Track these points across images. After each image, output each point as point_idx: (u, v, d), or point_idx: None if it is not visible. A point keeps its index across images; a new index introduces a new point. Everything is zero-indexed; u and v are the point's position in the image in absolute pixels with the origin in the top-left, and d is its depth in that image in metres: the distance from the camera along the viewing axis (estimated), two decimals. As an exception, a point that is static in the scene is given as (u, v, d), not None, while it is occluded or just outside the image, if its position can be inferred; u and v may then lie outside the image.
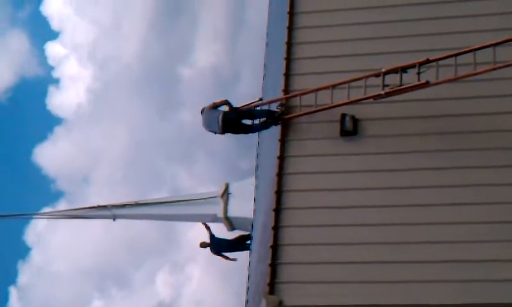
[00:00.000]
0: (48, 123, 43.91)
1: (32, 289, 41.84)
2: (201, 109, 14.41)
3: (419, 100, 13.51)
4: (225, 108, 14.27)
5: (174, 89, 42.97)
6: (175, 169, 42.13)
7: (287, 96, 14.21)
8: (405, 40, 14.16)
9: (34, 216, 25.92)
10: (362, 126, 13.83)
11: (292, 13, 14.88)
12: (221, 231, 20.84)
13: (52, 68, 44.96)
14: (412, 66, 13.09)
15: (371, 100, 13.40)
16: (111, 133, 43.10)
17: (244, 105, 14.89)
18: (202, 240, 20.47)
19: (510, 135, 13.23)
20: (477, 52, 12.78)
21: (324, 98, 13.71)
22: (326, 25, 14.78)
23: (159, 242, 41.03)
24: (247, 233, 19.57)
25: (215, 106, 14.15)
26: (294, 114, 14.02)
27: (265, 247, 13.67)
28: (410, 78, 13.10)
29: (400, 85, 13.11)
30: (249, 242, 18.75)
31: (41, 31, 46.06)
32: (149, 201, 22.52)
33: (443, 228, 12.87)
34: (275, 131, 14.20)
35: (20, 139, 43.87)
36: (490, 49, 12.70)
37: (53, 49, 45.13)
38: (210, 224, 20.76)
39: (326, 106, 13.68)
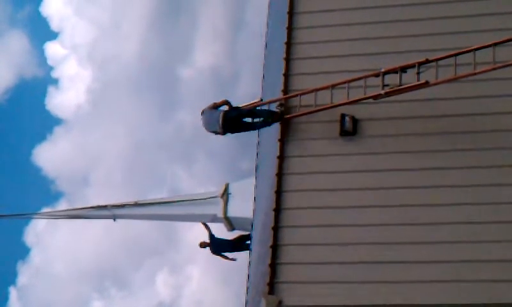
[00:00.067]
0: (47, 123, 43.91)
1: (32, 289, 41.85)
2: (201, 110, 14.40)
3: (419, 100, 13.51)
4: (225, 108, 14.26)
5: (173, 89, 42.98)
6: (174, 169, 42.13)
7: (287, 96, 14.21)
8: (404, 40, 14.16)
9: (34, 216, 25.94)
10: (362, 126, 13.83)
11: (291, 13, 14.88)
12: (220, 231, 20.86)
13: (51, 68, 44.98)
14: (412, 66, 13.09)
15: (371, 100, 13.40)
16: (111, 133, 43.10)
17: (245, 106, 14.88)
18: (202, 240, 20.48)
19: (510, 135, 13.23)
20: (477, 51, 12.79)
21: (324, 98, 13.71)
22: (326, 25, 14.79)
23: (159, 243, 41.03)
24: (247, 233, 19.57)
25: (215, 106, 14.15)
26: (294, 114, 14.02)
27: (265, 247, 13.67)
28: (410, 78, 13.10)
29: (400, 85, 13.11)
30: (249, 242, 18.75)
31: (41, 31, 46.08)
32: (149, 201, 22.53)
33: (443, 228, 12.87)
34: (275, 131, 14.21)
35: (20, 139, 43.86)
36: (490, 49, 12.71)
37: (52, 49, 45.14)
38: (210, 224, 20.77)
39: (326, 106, 13.68)
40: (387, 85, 13.22)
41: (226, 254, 20.44)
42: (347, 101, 13.53)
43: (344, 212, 13.35)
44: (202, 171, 40.74)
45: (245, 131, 14.32)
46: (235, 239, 20.39)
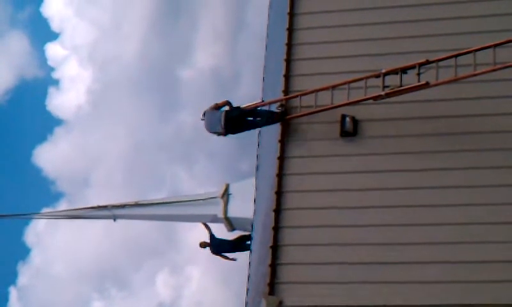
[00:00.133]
0: (48, 124, 43.92)
1: (32, 290, 41.86)
2: (202, 112, 14.38)
3: (419, 101, 13.53)
4: (227, 108, 14.25)
5: (174, 90, 42.98)
6: (175, 170, 42.13)
7: (287, 97, 14.22)
8: (405, 41, 14.18)
9: (35, 216, 25.94)
10: (362, 127, 13.84)
11: (292, 14, 14.90)
12: (221, 231, 20.86)
13: (52, 69, 44.98)
14: (412, 67, 13.11)
15: (371, 100, 13.42)
16: (111, 134, 43.10)
17: (246, 106, 14.89)
18: (202, 240, 20.48)
19: (511, 136, 13.24)
20: (477, 53, 12.80)
21: (324, 98, 13.72)
22: (326, 26, 14.80)
23: (159, 243, 41.03)
24: (247, 233, 19.58)
25: (217, 107, 14.14)
26: (294, 115, 14.03)
27: (265, 248, 13.68)
28: (410, 79, 13.12)
29: (400, 86, 13.13)
30: (249, 242, 18.76)
31: (41, 32, 46.09)
32: (149, 202, 22.53)
33: (443, 229, 12.88)
34: (275, 132, 14.22)
35: (20, 140, 43.86)
36: (490, 50, 12.72)
37: (53, 50, 45.15)
38: (210, 225, 20.77)
39: (326, 107, 13.70)
40: (387, 86, 13.23)
41: (226, 254, 20.45)
42: (348, 102, 13.54)
43: (344, 213, 13.36)
44: (202, 171, 40.77)
45: (247, 130, 14.33)
46: (235, 239, 20.41)
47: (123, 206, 22.39)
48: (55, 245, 42.72)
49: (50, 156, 43.51)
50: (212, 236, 20.39)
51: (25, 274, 42.48)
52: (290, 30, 14.80)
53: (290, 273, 13.14)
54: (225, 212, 20.71)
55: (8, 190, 40.09)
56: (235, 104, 14.36)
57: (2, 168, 41.70)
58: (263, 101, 15.24)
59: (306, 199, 13.61)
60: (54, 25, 44.97)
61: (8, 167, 42.16)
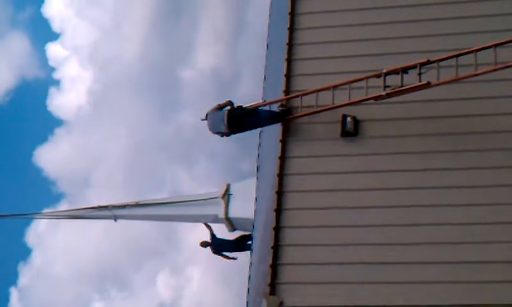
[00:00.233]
0: (48, 124, 43.90)
1: (33, 290, 41.85)
2: (205, 113, 14.35)
3: (420, 101, 13.52)
4: (229, 108, 14.24)
5: (174, 90, 42.96)
6: (175, 170, 42.12)
7: (288, 97, 14.22)
8: (406, 41, 14.17)
9: (35, 216, 25.94)
10: (363, 127, 13.84)
11: (293, 14, 14.90)
12: (222, 231, 20.85)
13: (52, 69, 44.96)
14: (413, 67, 13.10)
15: (372, 100, 13.41)
16: (112, 134, 43.08)
17: (248, 106, 14.87)
18: (203, 240, 20.47)
19: (511, 136, 13.23)
20: (478, 53, 12.80)
21: (325, 98, 13.72)
22: (327, 26, 14.80)
23: (160, 244, 41.01)
24: (248, 233, 19.58)
25: (219, 108, 14.11)
26: (295, 115, 14.03)
27: (266, 248, 13.67)
28: (411, 79, 13.11)
29: (402, 86, 13.12)
30: (250, 242, 18.76)
31: (42, 33, 46.06)
32: (150, 202, 22.52)
33: (444, 229, 12.88)
34: (276, 132, 14.22)
35: (21, 140, 43.83)
36: (491, 50, 12.72)
37: (54, 50, 45.12)
38: (211, 225, 20.76)
39: (327, 107, 13.69)
40: (388, 86, 13.23)
41: (226, 253, 20.45)
42: (349, 102, 13.54)
43: (344, 213, 13.35)
44: (203, 171, 40.75)
45: (250, 129, 14.32)
46: (236, 239, 20.41)
47: (123, 206, 22.39)
48: (56, 245, 42.73)
49: (51, 156, 43.52)
50: (213, 236, 20.39)
51: (26, 275, 42.50)
52: (291, 30, 14.80)
53: (291, 273, 13.13)
54: (226, 212, 20.70)
55: (9, 190, 40.09)
56: (236, 104, 14.35)
57: (3, 169, 41.70)
58: (264, 101, 15.23)
59: (307, 199, 13.61)
60: (55, 26, 44.99)
61: (8, 167, 42.16)
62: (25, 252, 42.08)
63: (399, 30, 14.33)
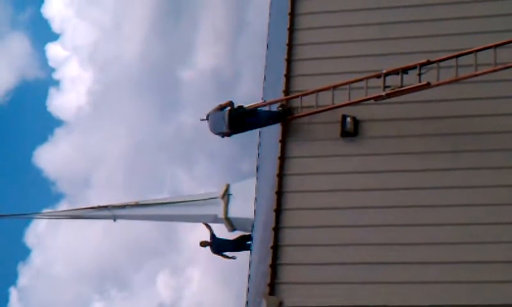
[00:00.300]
0: (48, 125, 43.93)
1: (33, 290, 41.85)
2: (206, 114, 14.33)
3: (420, 102, 13.52)
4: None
5: (174, 90, 42.98)
6: (175, 170, 42.13)
7: (288, 97, 14.22)
8: (406, 41, 14.17)
9: (35, 216, 25.94)
10: (363, 127, 13.84)
11: (293, 14, 14.89)
12: (221, 231, 20.86)
13: (52, 69, 44.99)
14: (413, 67, 13.10)
15: (372, 101, 13.41)
16: (112, 134, 43.10)
17: (249, 106, 14.88)
18: (202, 239, 20.47)
19: (511, 136, 13.23)
20: (478, 53, 12.80)
21: (325, 99, 13.72)
22: (327, 27, 14.80)
23: (160, 244, 41.02)
24: (247, 233, 19.58)
25: (220, 108, 14.10)
26: (295, 115, 14.02)
27: (265, 248, 13.67)
28: (411, 79, 13.11)
29: (401, 86, 13.12)
30: (249, 242, 18.76)
31: (42, 33, 46.09)
32: (150, 202, 22.53)
33: (444, 229, 12.88)
34: (276, 132, 14.22)
35: (21, 141, 43.85)
36: (491, 50, 12.72)
37: (54, 51, 45.16)
38: (211, 225, 20.76)
39: (327, 107, 13.69)
40: (388, 86, 13.22)
41: (225, 253, 20.45)
42: (349, 102, 13.54)
43: (344, 213, 13.35)
44: (203, 172, 40.76)
45: (251, 129, 14.31)
46: (236, 239, 20.41)
47: (123, 206, 22.40)
48: (55, 245, 42.74)
49: (51, 157, 43.54)
50: (213, 236, 20.40)
51: (26, 275, 42.51)
52: (291, 30, 14.80)
53: (291, 273, 13.13)
54: (226, 212, 20.71)
55: (9, 191, 40.08)
56: (236, 105, 14.35)
57: (3, 169, 41.71)
58: (264, 101, 15.23)
59: (306, 200, 13.61)
60: (55, 26, 45.02)
61: (8, 168, 42.17)
62: (24, 253, 42.11)
63: (399, 30, 14.33)
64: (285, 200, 13.65)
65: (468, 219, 12.83)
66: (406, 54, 13.79)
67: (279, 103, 14.29)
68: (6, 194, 39.52)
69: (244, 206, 19.05)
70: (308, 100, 13.90)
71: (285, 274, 13.14)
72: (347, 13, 14.79)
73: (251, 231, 17.45)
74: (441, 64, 13.00)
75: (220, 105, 14.16)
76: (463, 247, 12.68)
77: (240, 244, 20.12)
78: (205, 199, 21.40)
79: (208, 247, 20.38)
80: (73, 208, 24.47)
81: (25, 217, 26.72)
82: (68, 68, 45.77)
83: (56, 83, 44.97)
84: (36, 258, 42.90)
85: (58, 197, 42.76)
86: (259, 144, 16.33)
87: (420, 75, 13.00)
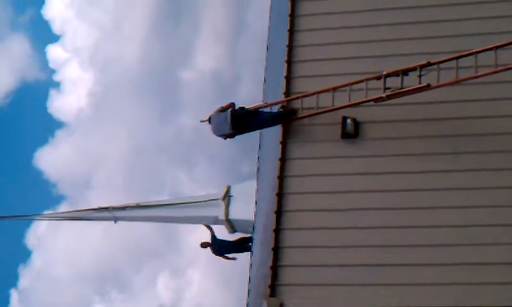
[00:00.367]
0: (49, 126, 43.98)
1: (33, 292, 41.89)
2: (208, 117, 14.32)
3: (420, 103, 13.51)
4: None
5: (174, 92, 43.01)
6: (175, 172, 42.14)
7: (288, 98, 14.22)
8: (406, 43, 14.17)
9: (36, 217, 25.97)
10: (363, 128, 13.84)
11: (293, 16, 14.89)
12: (222, 233, 20.87)
13: (53, 71, 45.05)
14: (413, 68, 13.10)
15: (372, 102, 13.41)
16: (112, 136, 43.15)
17: (250, 107, 14.88)
18: (203, 240, 20.47)
19: (511, 138, 13.23)
20: (479, 54, 12.80)
21: (325, 100, 13.72)
22: (327, 28, 14.79)
23: (160, 245, 41.03)
24: (248, 235, 19.58)
25: (222, 110, 14.09)
26: (296, 117, 14.02)
27: (266, 250, 13.68)
28: (411, 81, 13.11)
29: (402, 88, 13.12)
30: (250, 244, 18.76)
31: (43, 35, 46.15)
32: (150, 203, 22.54)
33: (444, 231, 12.88)
34: (276, 133, 14.22)
35: (21, 143, 43.88)
36: (492, 52, 12.72)
37: (54, 52, 45.21)
38: (211, 226, 20.75)
39: (327, 108, 13.69)
40: (389, 88, 13.22)
41: (226, 254, 20.44)
42: (349, 103, 13.54)
43: (345, 215, 13.35)
44: (203, 173, 40.77)
45: (254, 129, 14.30)
46: (237, 240, 20.41)
47: (124, 208, 22.42)
48: (56, 247, 42.78)
49: (52, 159, 43.58)
50: (213, 237, 20.39)
51: (26, 277, 42.54)
52: (291, 31, 14.80)
53: (291, 275, 13.14)
54: (226, 213, 20.73)
55: (9, 193, 40.13)
56: (238, 106, 14.35)
57: (4, 171, 41.74)
58: (266, 103, 15.23)
59: (307, 201, 13.61)
60: (55, 28, 45.07)
61: (9, 170, 42.20)
62: (25, 254, 42.14)
63: (399, 32, 14.33)
64: (285, 202, 13.65)
65: (468, 220, 12.83)
66: (406, 56, 13.78)
67: (280, 105, 14.29)
68: (6, 196, 39.57)
69: (244, 208, 19.06)
70: (309, 102, 13.90)
71: (286, 275, 13.15)
72: (347, 15, 14.79)
73: (252, 232, 17.45)
74: (442, 65, 13.00)
75: (222, 106, 14.16)
76: (463, 248, 12.68)
77: (241, 245, 20.11)
78: (205, 201, 21.42)
79: (208, 249, 20.37)
80: (74, 209, 24.50)
81: (26, 219, 26.75)
82: (69, 69, 45.86)
83: (57, 85, 45.03)
84: (36, 259, 42.96)
85: (59, 199, 42.84)
86: (259, 146, 16.32)
87: (420, 76, 13.00)
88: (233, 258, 20.40)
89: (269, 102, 14.71)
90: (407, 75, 13.15)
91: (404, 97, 13.22)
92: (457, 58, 12.92)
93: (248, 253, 18.42)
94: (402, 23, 14.38)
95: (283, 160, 13.93)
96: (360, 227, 13.21)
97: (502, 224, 12.69)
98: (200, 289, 40.36)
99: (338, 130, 13.83)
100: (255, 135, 15.55)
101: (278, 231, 13.43)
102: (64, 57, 45.22)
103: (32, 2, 46.22)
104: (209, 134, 14.47)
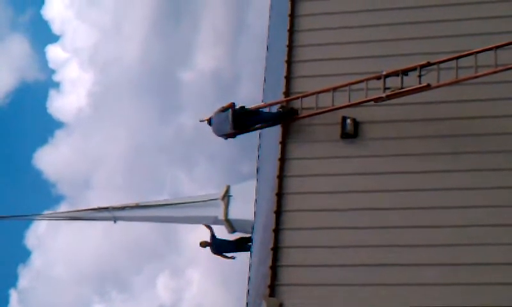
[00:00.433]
0: (49, 126, 43.98)
1: (33, 292, 41.88)
2: (208, 117, 14.30)
3: (420, 103, 13.51)
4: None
5: (174, 92, 43.01)
6: (175, 172, 42.14)
7: (288, 98, 14.22)
8: (406, 43, 14.17)
9: (35, 217, 25.96)
10: (363, 128, 13.83)
11: (293, 16, 14.90)
12: (221, 233, 20.86)
13: (53, 71, 45.06)
14: (413, 68, 13.10)
15: (372, 102, 13.41)
16: (112, 136, 43.15)
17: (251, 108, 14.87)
18: (203, 240, 20.46)
19: (511, 138, 13.23)
20: (479, 55, 12.80)
21: (325, 100, 13.72)
22: (327, 28, 14.80)
23: (160, 246, 41.03)
24: (248, 235, 19.57)
25: (223, 109, 14.08)
26: (295, 117, 14.01)
27: (265, 250, 13.67)
28: (411, 81, 13.11)
29: (401, 88, 13.11)
30: (250, 243, 18.76)
31: (42, 35, 46.16)
32: (150, 203, 22.54)
33: (444, 231, 12.87)
34: (276, 133, 14.21)
35: (21, 143, 43.88)
36: (491, 52, 12.72)
37: (54, 53, 45.22)
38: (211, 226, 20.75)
39: (327, 108, 13.69)
40: (388, 88, 13.22)
41: (225, 253, 20.45)
42: (349, 104, 13.53)
43: (344, 215, 13.34)
44: (203, 173, 40.77)
45: (256, 129, 14.28)
46: (236, 240, 20.41)
47: (123, 208, 22.41)
48: (55, 247, 42.78)
49: (51, 159, 43.57)
50: (213, 236, 20.38)
51: (26, 277, 42.54)
52: (291, 32, 14.80)
53: (291, 275, 13.13)
54: (226, 213, 20.71)
55: (9, 193, 40.12)
56: (238, 106, 14.34)
57: (3, 171, 41.73)
58: (265, 103, 15.23)
59: (306, 201, 13.60)
60: (55, 28, 45.08)
61: (8, 170, 42.19)
62: (24, 254, 42.13)
63: (399, 32, 14.33)
64: (285, 202, 13.64)
65: (468, 220, 12.82)
66: (406, 56, 13.79)
67: (279, 105, 14.28)
68: (6, 196, 39.56)
69: (244, 208, 19.05)
70: (308, 102, 13.89)
71: (285, 275, 13.14)
72: (347, 15, 14.79)
73: (251, 232, 17.44)
74: (442, 65, 13.00)
75: (222, 106, 14.16)
76: (463, 248, 12.67)
77: (240, 245, 20.11)
78: (205, 201, 21.41)
79: (208, 248, 20.36)
80: (74, 209, 24.50)
81: (26, 219, 26.74)
82: (68, 69, 45.87)
83: (56, 85, 45.03)
84: (36, 259, 42.96)
85: (58, 199, 42.83)
86: (259, 146, 16.32)
87: (420, 76, 13.00)
88: (232, 257, 20.40)
89: (269, 101, 14.72)
90: (407, 75, 13.15)
91: (404, 97, 13.21)
92: (457, 58, 12.92)
93: (247, 253, 18.42)
94: (402, 23, 14.38)
95: (283, 160, 13.92)
96: (360, 227, 13.20)
97: (502, 224, 12.69)
98: (199, 289, 40.38)
99: (337, 130, 13.82)
100: (254, 135, 15.56)
101: (277, 231, 13.42)
102: (64, 57, 45.26)
103: (32, 3, 46.26)
104: (209, 134, 14.48)
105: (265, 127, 14.47)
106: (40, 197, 43.28)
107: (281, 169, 13.85)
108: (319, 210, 13.49)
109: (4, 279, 40.69)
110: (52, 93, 44.43)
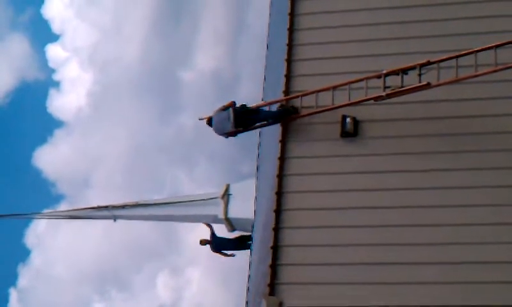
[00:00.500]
0: (48, 126, 43.94)
1: (32, 291, 41.85)
2: (208, 117, 14.29)
3: (420, 102, 13.52)
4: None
5: (174, 92, 42.98)
6: (175, 172, 42.12)
7: (288, 97, 14.22)
8: (406, 42, 14.17)
9: (35, 216, 25.94)
10: (363, 127, 13.84)
11: (292, 15, 14.90)
12: (221, 232, 20.83)
13: (52, 70, 45.00)
14: (413, 67, 13.10)
15: (372, 101, 13.41)
16: (112, 136, 43.10)
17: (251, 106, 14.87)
18: (202, 238, 20.45)
19: (511, 137, 13.23)
20: (478, 53, 12.80)
21: (325, 99, 13.72)
22: (327, 27, 14.80)
23: (160, 244, 41.01)
24: (247, 233, 19.57)
25: (224, 108, 14.08)
26: (295, 115, 14.01)
27: (265, 248, 13.67)
28: (411, 79, 13.11)
29: (401, 87, 13.12)
30: (249, 242, 18.75)
31: (42, 34, 46.08)
32: (149, 202, 22.51)
33: (443, 230, 12.87)
34: (276, 132, 14.21)
35: (21, 142, 43.85)
36: (491, 51, 12.72)
37: (54, 52, 45.17)
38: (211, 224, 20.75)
39: (327, 107, 13.69)
40: (388, 86, 13.23)
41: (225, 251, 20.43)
42: (349, 102, 13.54)
43: (344, 213, 13.35)
44: (203, 173, 40.75)
45: (257, 127, 14.26)
46: (236, 238, 20.39)
47: (123, 206, 22.39)
48: (55, 246, 42.75)
49: (51, 158, 43.54)
50: (213, 234, 20.37)
51: (26, 276, 42.50)
52: (291, 30, 14.80)
53: (291, 273, 13.13)
54: (226, 212, 20.68)
55: (8, 192, 40.07)
56: (238, 104, 14.34)
57: (3, 170, 41.71)
58: (266, 102, 15.23)
59: (306, 200, 13.61)
60: (55, 27, 45.02)
61: (8, 169, 42.15)
62: (24, 253, 42.11)
63: (399, 31, 14.33)
64: (284, 200, 13.64)
65: (468, 219, 12.83)
66: (406, 54, 13.79)
67: (279, 104, 14.28)
68: (5, 195, 39.52)
69: (244, 207, 19.03)
70: (308, 101, 13.90)
71: (285, 274, 13.14)
72: (347, 13, 14.79)
73: (251, 231, 17.44)
74: (442, 64, 13.00)
75: (223, 105, 14.16)
76: (463, 247, 12.68)
77: (240, 243, 20.10)
78: (204, 200, 21.39)
79: (208, 246, 20.34)
80: (73, 208, 24.48)
81: (25, 217, 26.70)
82: (68, 69, 45.81)
83: (56, 84, 44.99)
84: (36, 258, 42.92)
85: (58, 198, 42.78)
86: (259, 145, 16.31)
87: (420, 75, 13.00)
88: (232, 255, 20.39)
89: (269, 100, 14.72)
90: (407, 73, 13.15)
91: (404, 96, 13.22)
92: (457, 57, 12.92)
93: (247, 251, 18.42)
94: (402, 22, 14.38)
95: (283, 158, 13.92)
96: (360, 225, 13.21)
97: (502, 222, 12.69)
98: (199, 288, 40.35)
99: (337, 128, 13.83)
100: (254, 134, 15.56)
101: (277, 229, 13.43)
102: (63, 57, 45.21)
103: (31, 2, 46.20)
104: (209, 134, 14.49)
105: (266, 126, 14.48)
106: (39, 196, 43.27)
107: (281, 167, 13.86)
108: (319, 208, 13.50)
109: (3, 278, 40.68)
110: (52, 92, 44.42)
